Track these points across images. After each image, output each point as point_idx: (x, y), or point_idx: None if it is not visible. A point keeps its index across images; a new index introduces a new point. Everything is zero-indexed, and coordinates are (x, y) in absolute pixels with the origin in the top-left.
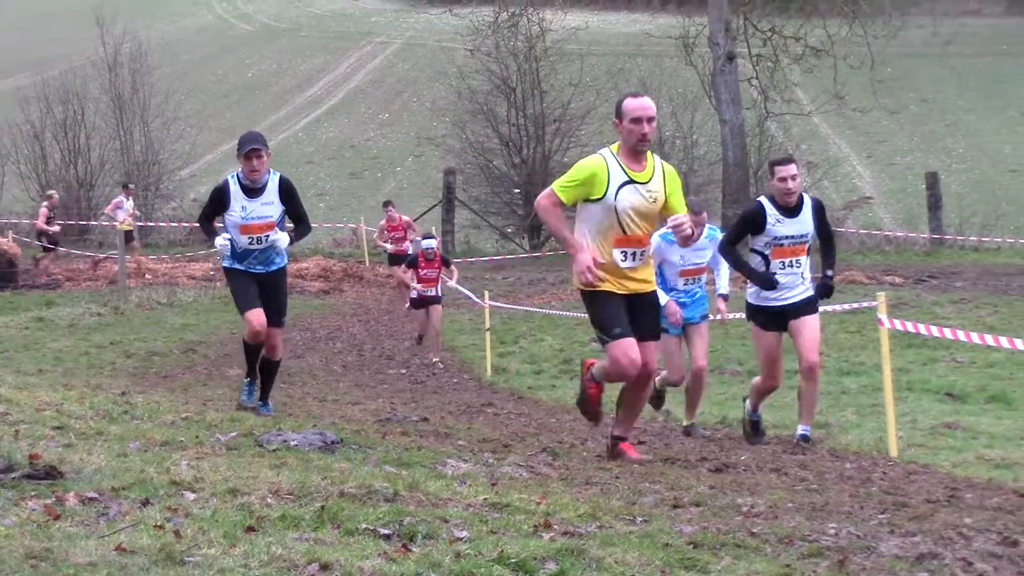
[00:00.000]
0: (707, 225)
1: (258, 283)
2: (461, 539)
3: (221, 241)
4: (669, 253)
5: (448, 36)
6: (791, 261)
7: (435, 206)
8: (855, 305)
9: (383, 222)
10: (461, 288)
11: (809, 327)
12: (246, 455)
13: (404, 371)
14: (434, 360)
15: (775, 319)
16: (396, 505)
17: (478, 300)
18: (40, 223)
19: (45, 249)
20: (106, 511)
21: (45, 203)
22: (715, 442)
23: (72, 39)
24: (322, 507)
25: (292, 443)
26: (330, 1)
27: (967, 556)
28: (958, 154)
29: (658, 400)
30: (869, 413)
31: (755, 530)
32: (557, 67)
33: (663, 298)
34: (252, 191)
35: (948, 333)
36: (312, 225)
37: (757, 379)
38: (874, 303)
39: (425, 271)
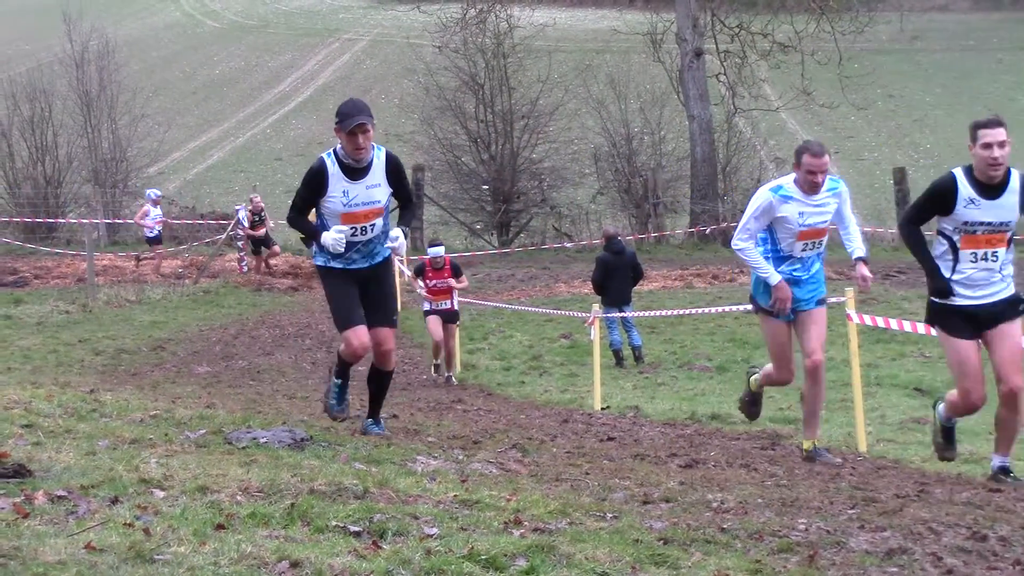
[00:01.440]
0: (830, 177)
1: (360, 282)
2: (431, 536)
3: (334, 236)
4: (784, 210)
5: (416, 33)
6: (985, 253)
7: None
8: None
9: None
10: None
11: (1010, 339)
12: (215, 453)
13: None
14: (448, 375)
15: (968, 322)
16: (366, 502)
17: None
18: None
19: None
20: (75, 509)
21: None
22: (684, 438)
23: (39, 36)
24: (292, 504)
25: (261, 440)
26: None
27: (937, 551)
28: (925, 149)
29: (753, 405)
30: (838, 408)
31: (725, 526)
32: (525, 63)
33: (773, 278)
34: (355, 171)
35: (919, 327)
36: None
37: (953, 394)
38: (842, 299)
39: (434, 282)
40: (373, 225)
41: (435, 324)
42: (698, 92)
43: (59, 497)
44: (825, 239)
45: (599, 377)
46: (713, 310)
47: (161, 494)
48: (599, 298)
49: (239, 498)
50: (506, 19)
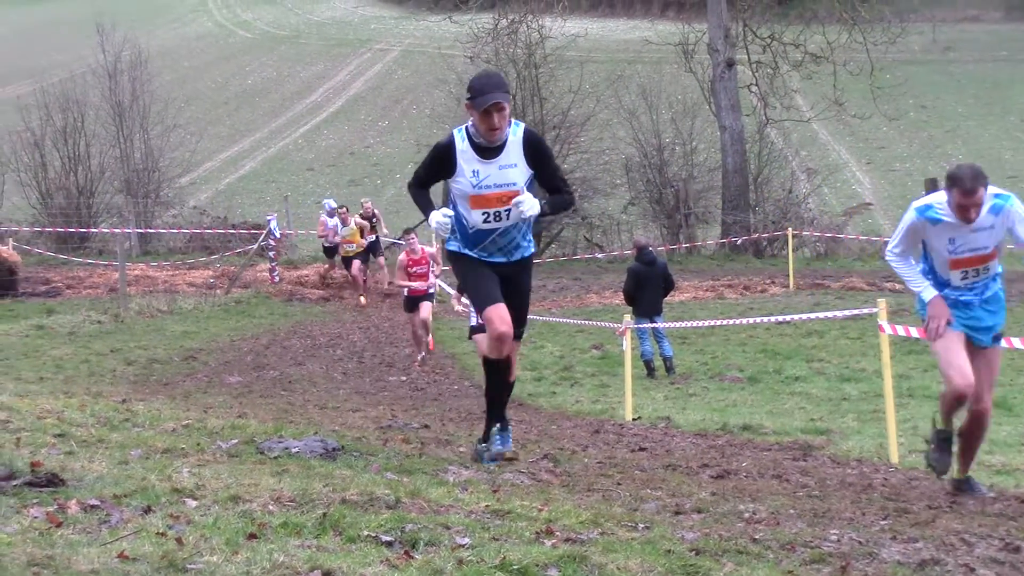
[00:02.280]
0: (993, 193)
1: (499, 277)
2: (463, 546)
3: (439, 219)
4: (932, 233)
5: (448, 43)
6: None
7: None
8: (855, 312)
9: (402, 256)
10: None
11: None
12: (247, 462)
13: (404, 378)
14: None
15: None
16: (398, 512)
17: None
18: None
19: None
20: (108, 518)
21: (332, 219)
22: (716, 448)
23: (72, 47)
24: (324, 514)
25: (293, 450)
26: (330, 8)
27: (969, 562)
28: (958, 160)
29: (942, 452)
30: (870, 419)
31: (757, 536)
32: (556, 74)
33: (927, 292)
34: (487, 150)
35: None
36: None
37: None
38: (875, 309)
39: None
40: (508, 211)
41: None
42: (730, 103)
43: (92, 506)
44: (994, 263)
45: (630, 388)
46: (744, 321)
47: (193, 503)
48: (630, 309)
49: (271, 508)
50: (538, 30)
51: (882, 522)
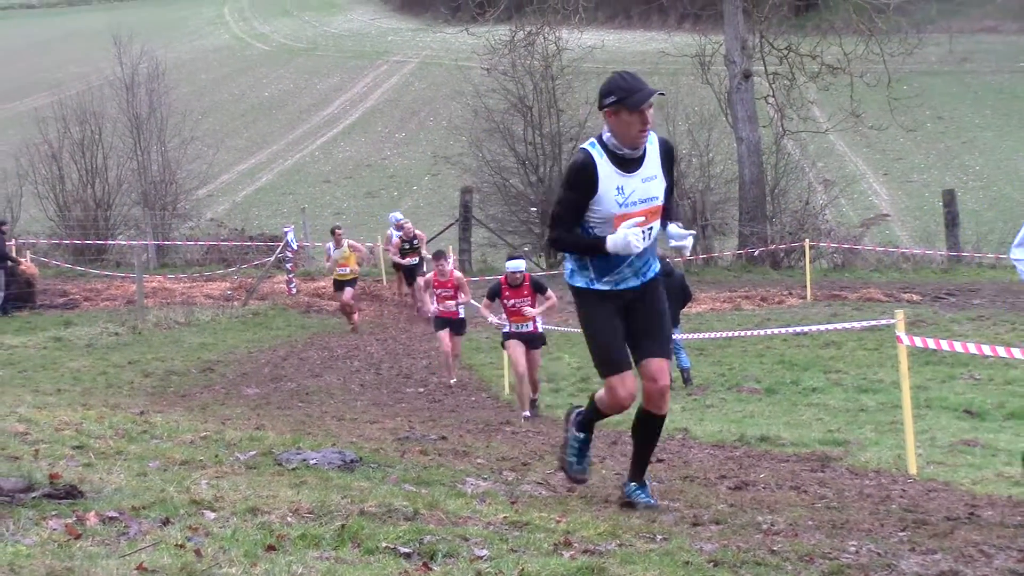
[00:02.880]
0: None
1: (626, 307)
2: (481, 557)
3: (627, 231)
4: None
5: (464, 55)
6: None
7: (452, 225)
8: (873, 323)
9: (429, 275)
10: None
11: None
12: (265, 474)
13: (422, 390)
14: (526, 414)
15: None
16: (416, 523)
17: (497, 320)
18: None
19: (408, 282)
20: (127, 530)
21: (399, 232)
22: (734, 460)
23: (89, 59)
24: (342, 526)
25: (311, 462)
26: (346, 20)
27: (988, 574)
28: (975, 171)
29: None
30: (888, 430)
31: (775, 548)
32: (574, 85)
33: None
34: (627, 163)
35: (970, 348)
36: None
37: None
38: (892, 320)
39: (512, 301)
40: (651, 229)
41: (516, 350)
42: (746, 114)
43: (111, 518)
44: None
45: None
46: (761, 332)
47: (212, 515)
48: None
49: (289, 519)
50: (555, 41)
51: (900, 534)
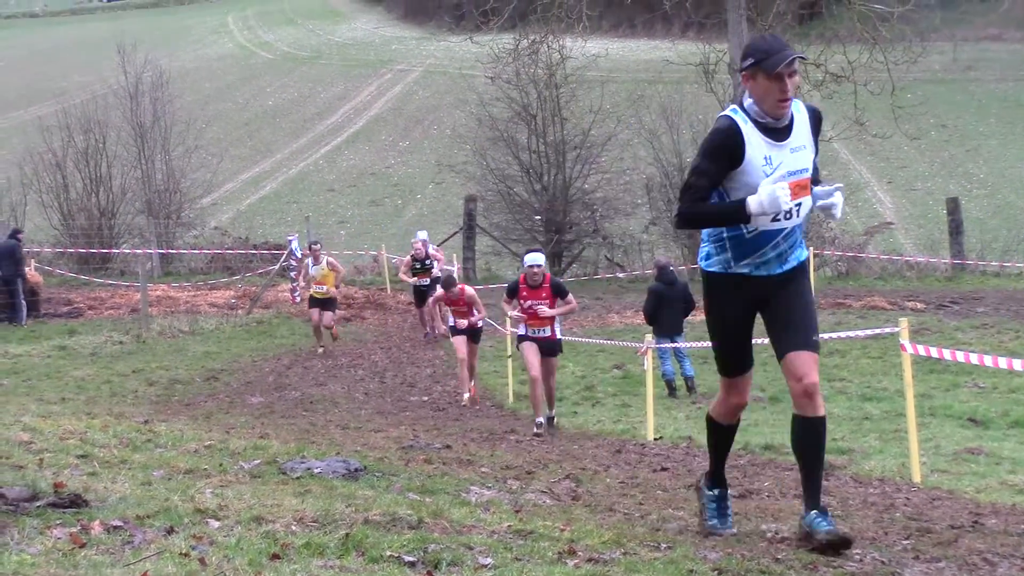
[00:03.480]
0: None
1: (764, 299)
2: (486, 566)
3: (771, 188)
4: None
5: (468, 63)
6: None
7: (456, 233)
8: (877, 331)
9: (439, 292)
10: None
11: None
12: (270, 483)
13: (426, 398)
14: (539, 420)
15: None
16: (420, 532)
17: (499, 327)
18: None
19: (418, 304)
20: (131, 539)
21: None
22: (738, 468)
23: (93, 68)
24: (346, 534)
25: (315, 471)
26: (350, 29)
27: None
28: (979, 179)
29: None
30: (892, 439)
31: (780, 556)
32: (577, 94)
33: None
34: (775, 131)
35: (972, 358)
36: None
37: None
38: (896, 329)
39: (529, 302)
40: (799, 206)
41: (531, 353)
42: None
43: (115, 527)
44: None
45: (652, 407)
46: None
47: (216, 524)
48: (651, 328)
49: (294, 528)
50: (558, 50)
51: (904, 542)
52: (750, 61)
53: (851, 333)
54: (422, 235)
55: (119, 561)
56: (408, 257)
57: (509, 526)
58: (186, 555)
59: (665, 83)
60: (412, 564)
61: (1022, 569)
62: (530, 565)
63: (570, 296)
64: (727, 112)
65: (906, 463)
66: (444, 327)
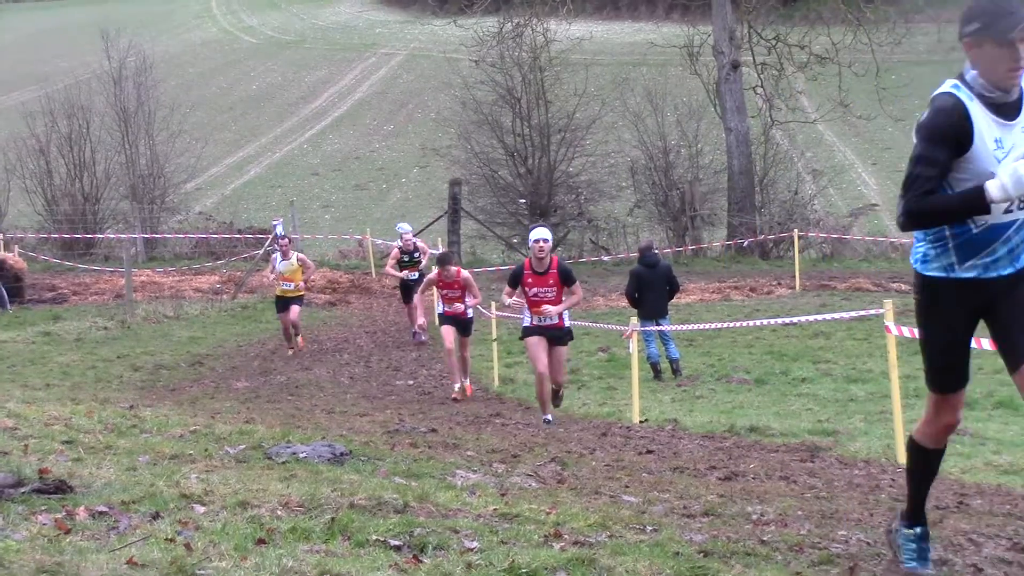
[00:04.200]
0: None
1: (992, 301)
2: (472, 549)
3: (1015, 167)
4: None
5: (453, 47)
6: None
7: (440, 217)
8: (862, 312)
9: (433, 274)
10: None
11: None
12: (255, 468)
13: (412, 382)
14: (546, 417)
15: None
16: (406, 516)
17: (484, 311)
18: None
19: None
20: (116, 525)
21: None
22: (724, 450)
23: (77, 53)
24: (332, 519)
25: (301, 455)
26: (334, 13)
27: (977, 562)
28: None
29: None
30: (877, 420)
31: (765, 538)
32: (562, 77)
33: None
34: (1002, 108)
35: None
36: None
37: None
38: (881, 310)
39: (535, 290)
40: None
41: (537, 348)
42: (735, 104)
43: (100, 513)
44: None
45: (637, 390)
46: (751, 323)
47: (202, 509)
48: (636, 311)
49: (279, 513)
50: (543, 33)
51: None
52: (975, 26)
53: (836, 315)
54: (406, 227)
55: (104, 547)
56: (395, 250)
57: (495, 509)
58: (171, 540)
59: (649, 65)
60: (398, 548)
61: (1007, 549)
62: (516, 548)
63: (576, 285)
64: (947, 89)
65: (891, 444)
66: (423, 328)
